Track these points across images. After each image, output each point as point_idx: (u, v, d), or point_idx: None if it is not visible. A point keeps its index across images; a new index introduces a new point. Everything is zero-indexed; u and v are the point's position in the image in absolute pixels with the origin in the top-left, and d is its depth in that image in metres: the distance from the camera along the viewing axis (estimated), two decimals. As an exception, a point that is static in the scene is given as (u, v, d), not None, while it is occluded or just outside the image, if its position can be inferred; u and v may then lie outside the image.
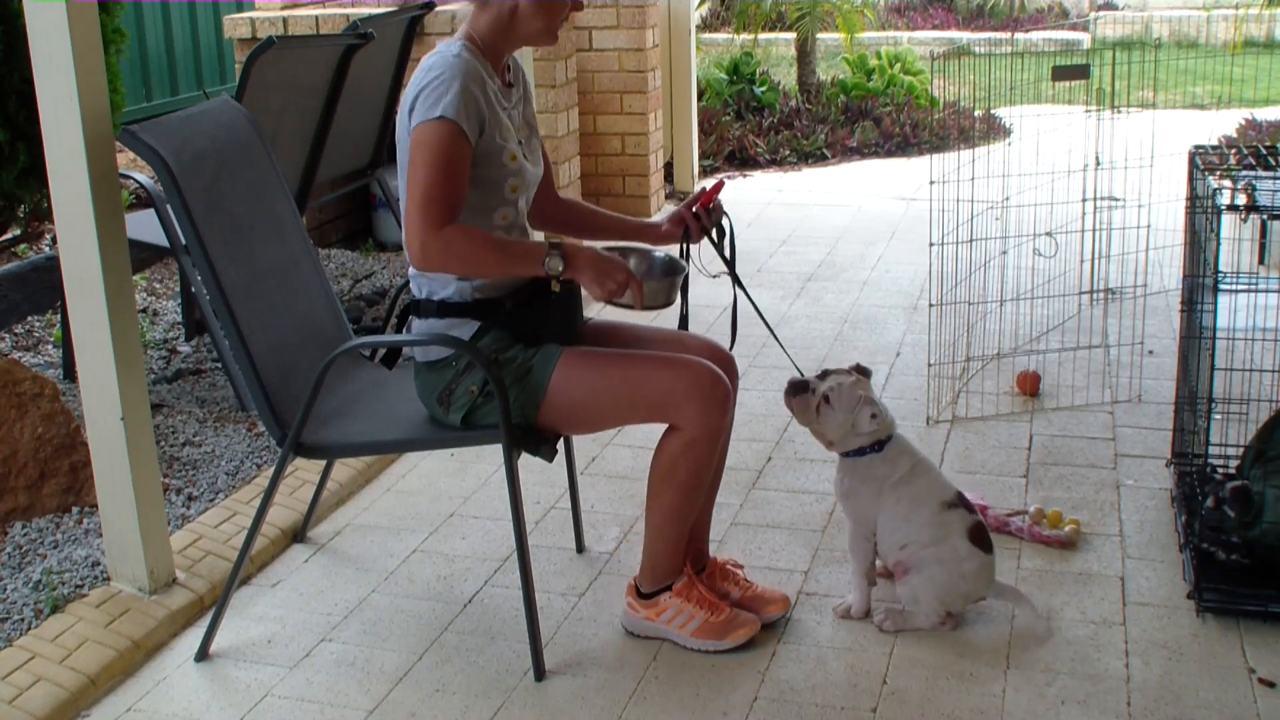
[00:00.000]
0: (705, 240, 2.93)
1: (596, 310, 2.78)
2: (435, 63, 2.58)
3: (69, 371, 4.23)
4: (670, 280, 2.77)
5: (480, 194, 2.65)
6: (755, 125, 8.23)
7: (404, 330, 2.82)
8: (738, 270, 2.95)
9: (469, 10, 2.70)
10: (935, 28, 13.18)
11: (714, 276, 3.01)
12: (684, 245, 2.91)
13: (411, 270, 2.75)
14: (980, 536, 2.85)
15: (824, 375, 2.85)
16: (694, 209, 2.91)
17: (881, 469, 2.83)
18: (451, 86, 2.52)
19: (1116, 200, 4.67)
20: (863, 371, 2.88)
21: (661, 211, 6.65)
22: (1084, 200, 4.58)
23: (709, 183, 2.98)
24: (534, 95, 2.87)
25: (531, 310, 2.71)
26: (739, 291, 2.91)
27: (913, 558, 2.83)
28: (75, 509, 3.34)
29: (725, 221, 2.94)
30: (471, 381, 2.68)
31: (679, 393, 2.62)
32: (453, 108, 2.52)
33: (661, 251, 2.88)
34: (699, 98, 7.81)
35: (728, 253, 2.94)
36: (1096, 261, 4.79)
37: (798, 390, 2.84)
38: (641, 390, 2.65)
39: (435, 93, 2.53)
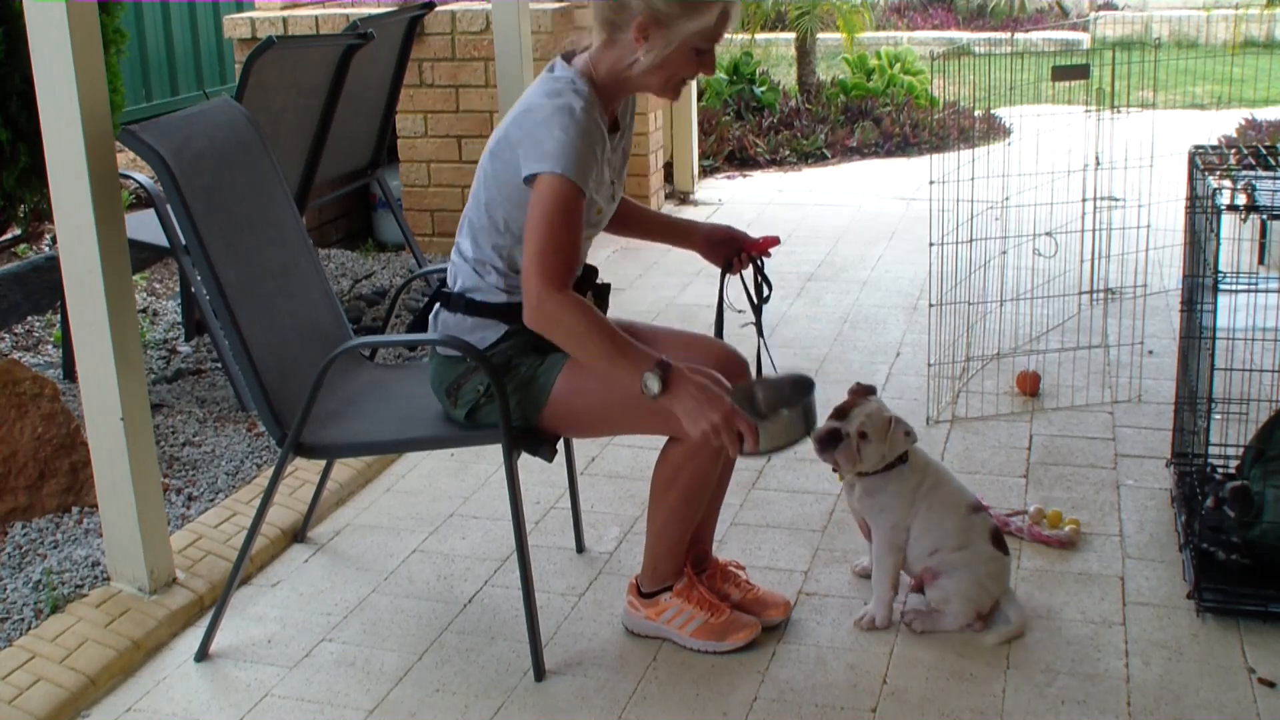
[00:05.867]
0: (740, 280, 2.90)
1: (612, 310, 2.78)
2: (562, 108, 2.51)
3: (69, 371, 4.23)
4: (791, 414, 2.57)
5: None
6: (755, 125, 8.23)
7: (430, 318, 2.80)
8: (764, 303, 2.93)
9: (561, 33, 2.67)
10: (935, 28, 13.19)
11: (742, 326, 2.94)
12: (722, 274, 2.91)
13: (453, 258, 2.74)
14: (999, 539, 2.87)
15: (842, 413, 2.78)
16: (749, 253, 2.88)
17: (912, 479, 2.82)
18: (578, 144, 2.48)
19: (1116, 200, 4.67)
20: (869, 390, 2.82)
21: (663, 207, 6.67)
22: (1084, 200, 4.58)
23: (770, 235, 2.92)
24: (634, 123, 2.81)
25: None
26: (761, 344, 2.88)
27: (942, 563, 2.83)
28: (75, 509, 3.34)
29: (766, 286, 2.91)
30: (479, 380, 2.68)
31: None
32: (576, 168, 2.48)
33: (794, 372, 2.76)
34: (699, 98, 7.81)
35: (759, 301, 2.90)
36: (1096, 261, 4.79)
37: (833, 440, 2.74)
38: (645, 401, 2.63)
39: (561, 144, 2.48)
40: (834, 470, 2.87)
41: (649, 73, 2.57)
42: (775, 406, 2.69)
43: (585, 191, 2.52)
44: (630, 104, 2.79)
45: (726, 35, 2.61)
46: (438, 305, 2.78)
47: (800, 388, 2.66)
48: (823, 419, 2.75)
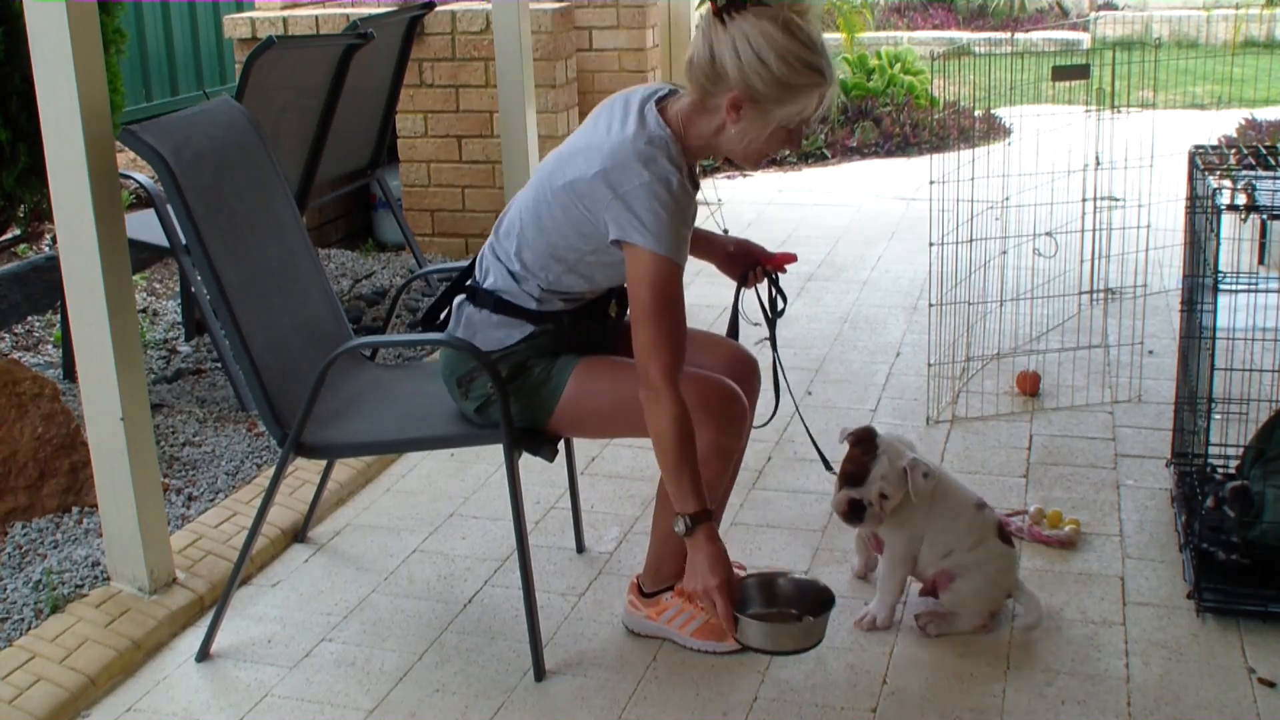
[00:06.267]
0: (754, 293, 2.89)
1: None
2: (661, 180, 2.45)
3: (69, 371, 4.23)
4: (799, 627, 2.57)
5: (600, 273, 2.63)
6: (755, 125, 8.22)
7: (454, 307, 2.77)
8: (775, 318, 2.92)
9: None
10: (935, 28, 13.18)
11: (757, 342, 2.92)
12: (737, 289, 2.91)
13: (487, 254, 2.72)
14: (1004, 533, 2.88)
15: (854, 478, 2.74)
16: (764, 268, 2.88)
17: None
18: (677, 223, 2.46)
19: (1116, 200, 4.67)
20: (868, 437, 2.76)
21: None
22: (1084, 200, 4.58)
23: (788, 251, 2.92)
24: None
25: (585, 326, 2.70)
26: (776, 359, 2.87)
27: (957, 565, 2.82)
28: (75, 509, 3.34)
29: (780, 300, 2.90)
30: (491, 378, 2.68)
31: (693, 410, 2.57)
32: (678, 248, 2.47)
33: (815, 580, 2.72)
34: (699, 98, 7.80)
35: (773, 314, 2.89)
36: (1096, 261, 4.79)
37: (857, 513, 2.74)
38: None
39: (660, 219, 2.44)
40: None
41: (736, 145, 2.54)
42: (789, 605, 2.65)
43: (683, 268, 2.51)
44: None
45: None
46: (462, 297, 2.76)
47: (821, 603, 2.62)
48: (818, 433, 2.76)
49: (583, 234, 2.55)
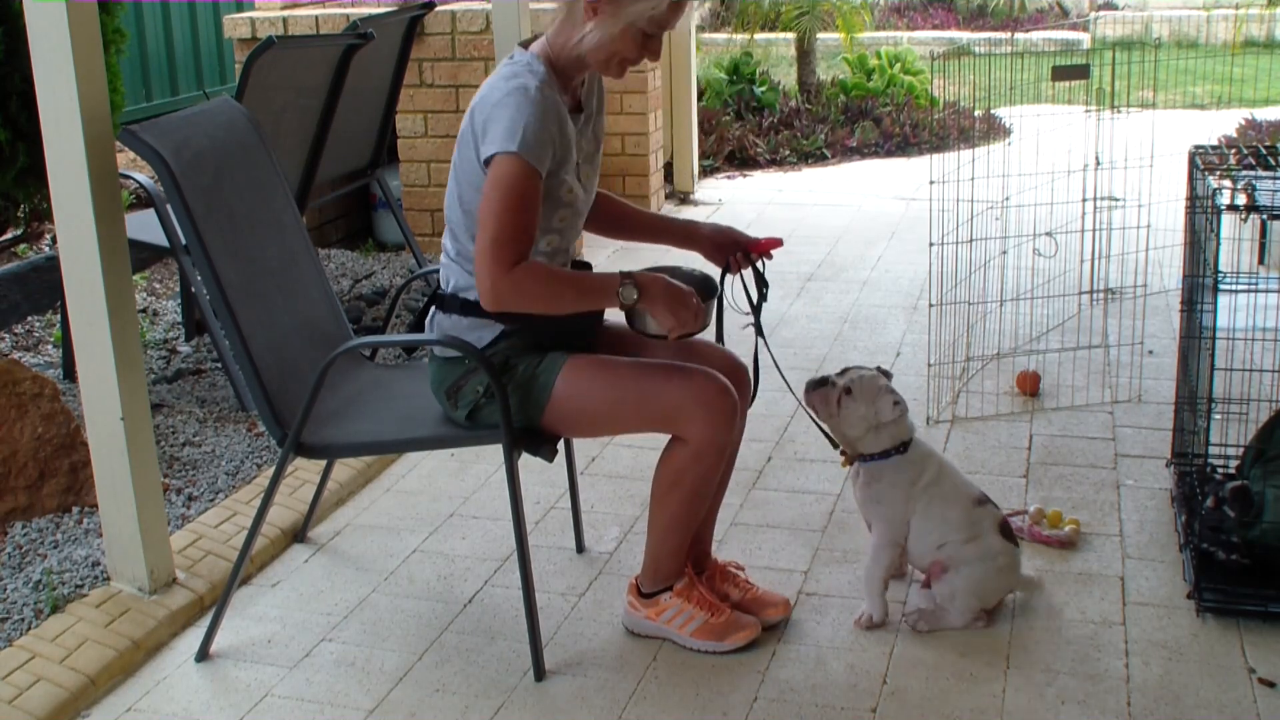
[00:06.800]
0: (739, 280, 2.89)
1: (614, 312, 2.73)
2: (516, 88, 2.54)
3: (69, 371, 4.23)
4: (710, 304, 2.71)
5: None
6: (755, 125, 8.23)
7: (426, 321, 2.80)
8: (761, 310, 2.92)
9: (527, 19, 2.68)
10: (935, 28, 13.19)
11: (743, 327, 2.92)
12: (721, 275, 2.90)
13: (442, 259, 2.75)
14: (1008, 531, 2.88)
15: (843, 372, 2.85)
16: (748, 254, 2.88)
17: (910, 471, 2.83)
18: (531, 122, 2.50)
19: (1116, 200, 4.67)
20: (884, 372, 2.86)
21: (663, 207, 6.67)
22: (1084, 200, 4.58)
23: (773, 236, 2.93)
24: (604, 107, 2.85)
25: (554, 318, 2.71)
26: (761, 343, 2.88)
27: (951, 556, 2.83)
28: (75, 509, 3.34)
29: (764, 286, 2.91)
30: (479, 381, 2.68)
31: (686, 406, 2.60)
32: (530, 147, 2.50)
33: (694, 269, 2.82)
34: (699, 98, 7.82)
35: (759, 300, 2.90)
36: (1096, 261, 4.79)
37: (818, 385, 2.83)
38: (648, 402, 2.64)
39: (515, 123, 2.50)
40: (840, 455, 2.89)
41: (595, 49, 2.60)
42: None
43: (540, 170, 2.53)
44: (596, 89, 2.80)
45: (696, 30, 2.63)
46: (434, 308, 2.78)
47: (708, 288, 2.73)
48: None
49: (475, 184, 2.59)
